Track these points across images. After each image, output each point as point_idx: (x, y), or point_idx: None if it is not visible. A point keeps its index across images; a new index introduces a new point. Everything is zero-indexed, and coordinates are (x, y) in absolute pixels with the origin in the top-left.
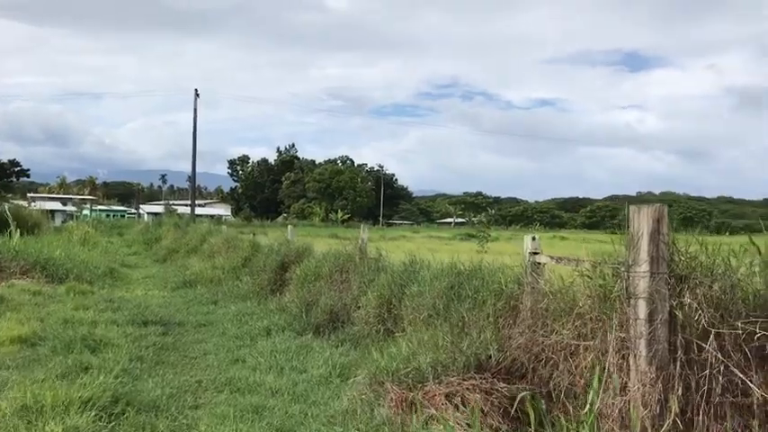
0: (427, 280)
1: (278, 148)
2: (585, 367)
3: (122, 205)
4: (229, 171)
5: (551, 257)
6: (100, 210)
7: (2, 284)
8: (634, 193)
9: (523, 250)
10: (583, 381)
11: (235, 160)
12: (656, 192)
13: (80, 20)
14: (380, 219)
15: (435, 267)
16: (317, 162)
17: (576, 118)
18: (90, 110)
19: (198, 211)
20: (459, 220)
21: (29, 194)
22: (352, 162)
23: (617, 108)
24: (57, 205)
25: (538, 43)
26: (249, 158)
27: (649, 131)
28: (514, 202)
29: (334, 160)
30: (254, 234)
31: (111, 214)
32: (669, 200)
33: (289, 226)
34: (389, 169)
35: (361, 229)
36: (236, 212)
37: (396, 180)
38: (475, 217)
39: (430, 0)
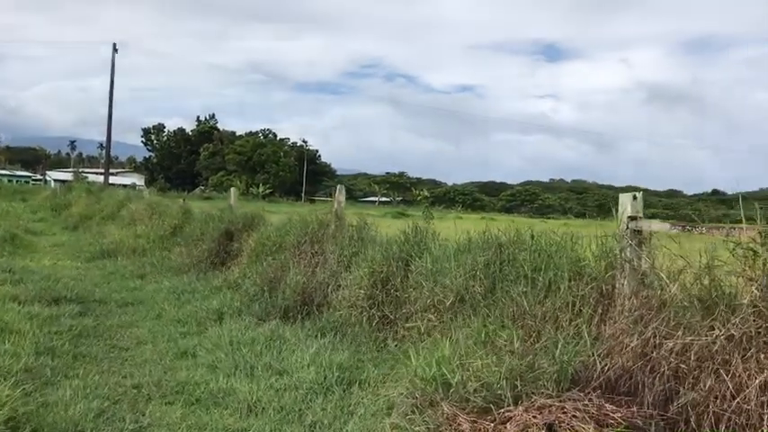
0: (449, 253)
1: (197, 118)
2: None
3: (27, 171)
4: (143, 140)
5: (674, 225)
6: (1, 174)
7: None
8: (547, 180)
9: (619, 215)
10: (748, 406)
11: (149, 129)
12: (568, 179)
13: None
14: (303, 195)
15: (454, 238)
16: (237, 134)
17: (495, 104)
18: None
19: (110, 180)
20: (384, 198)
21: None
22: (275, 136)
23: (533, 97)
24: None
25: (459, 30)
26: (165, 128)
27: (563, 121)
28: (434, 183)
29: (256, 133)
30: (183, 200)
31: (15, 179)
32: (580, 188)
33: (231, 189)
34: (313, 145)
35: (337, 190)
36: (149, 183)
37: (319, 156)
38: (399, 196)
39: None
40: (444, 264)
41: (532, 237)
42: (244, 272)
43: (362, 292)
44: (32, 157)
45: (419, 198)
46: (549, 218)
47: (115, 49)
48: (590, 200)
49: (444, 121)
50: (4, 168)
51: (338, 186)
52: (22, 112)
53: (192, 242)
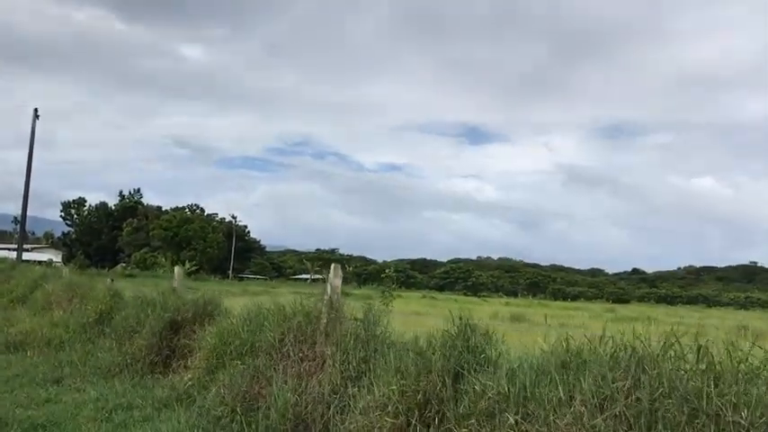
0: (536, 365)
1: (120, 192)
2: None
3: None
4: (62, 215)
5: None
6: None
7: None
8: (474, 257)
9: None
10: None
11: (69, 203)
12: (495, 257)
13: None
14: (230, 272)
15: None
16: (163, 209)
17: (423, 183)
18: None
19: (25, 256)
20: (317, 276)
21: None
22: (203, 211)
23: (459, 176)
24: None
25: (387, 111)
26: (86, 202)
27: (487, 200)
28: (364, 260)
29: (183, 208)
30: (111, 280)
31: None
32: (507, 265)
33: (176, 268)
34: (241, 221)
35: (332, 270)
36: (68, 259)
37: (248, 232)
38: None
39: (285, 61)
40: (536, 387)
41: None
42: (200, 379)
43: (391, 421)
44: None
45: (391, 276)
46: (483, 296)
47: (36, 115)
48: (521, 278)
49: (373, 198)
50: None
51: (333, 265)
52: None
53: (124, 334)
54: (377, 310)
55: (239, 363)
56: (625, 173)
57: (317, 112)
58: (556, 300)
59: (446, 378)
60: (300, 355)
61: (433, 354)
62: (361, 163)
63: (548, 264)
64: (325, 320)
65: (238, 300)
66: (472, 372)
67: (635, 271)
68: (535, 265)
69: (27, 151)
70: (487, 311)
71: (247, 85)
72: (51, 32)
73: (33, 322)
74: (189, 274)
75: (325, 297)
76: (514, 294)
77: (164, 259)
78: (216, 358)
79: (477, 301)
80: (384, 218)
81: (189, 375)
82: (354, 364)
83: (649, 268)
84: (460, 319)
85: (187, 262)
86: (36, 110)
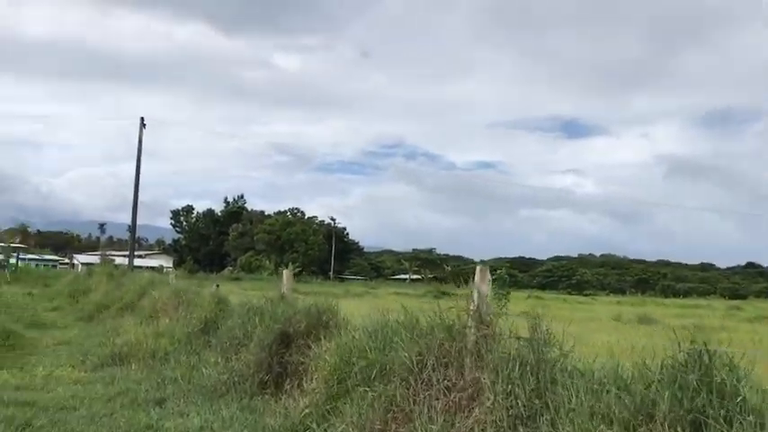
0: None
1: (225, 199)
2: None
3: (56, 255)
4: (172, 222)
5: None
6: (30, 258)
7: None
8: (575, 254)
9: None
10: None
11: (179, 211)
12: (597, 254)
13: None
14: (331, 273)
15: None
16: (266, 214)
17: (518, 180)
18: (29, 159)
19: (137, 262)
20: (415, 276)
21: None
22: (303, 214)
23: (556, 172)
24: None
25: (479, 108)
26: (194, 209)
27: (586, 195)
28: (461, 260)
29: (285, 212)
30: (217, 286)
31: (42, 263)
32: (612, 262)
33: (284, 272)
34: (340, 223)
35: (477, 273)
36: (178, 265)
37: (347, 234)
38: (430, 273)
39: (377, 64)
40: None
41: None
42: (318, 407)
43: None
44: (63, 241)
45: (505, 279)
46: (590, 294)
47: (143, 124)
48: (627, 275)
49: (467, 197)
50: (33, 253)
51: (478, 267)
52: (53, 197)
53: (230, 347)
54: (546, 324)
55: (367, 390)
56: (733, 161)
57: (409, 114)
58: (666, 296)
59: (679, 430)
60: (447, 383)
61: (652, 391)
62: (454, 162)
63: (654, 259)
64: (473, 337)
65: (347, 303)
66: (722, 422)
67: (750, 265)
68: (641, 261)
69: (137, 162)
70: (605, 312)
71: (341, 90)
72: (155, 49)
73: (138, 332)
74: (294, 275)
75: (471, 307)
76: (621, 292)
77: (268, 262)
78: (337, 382)
79: (587, 301)
80: (478, 217)
81: (305, 401)
82: (524, 400)
83: (767, 262)
84: (692, 342)
85: (290, 264)
86: (142, 119)
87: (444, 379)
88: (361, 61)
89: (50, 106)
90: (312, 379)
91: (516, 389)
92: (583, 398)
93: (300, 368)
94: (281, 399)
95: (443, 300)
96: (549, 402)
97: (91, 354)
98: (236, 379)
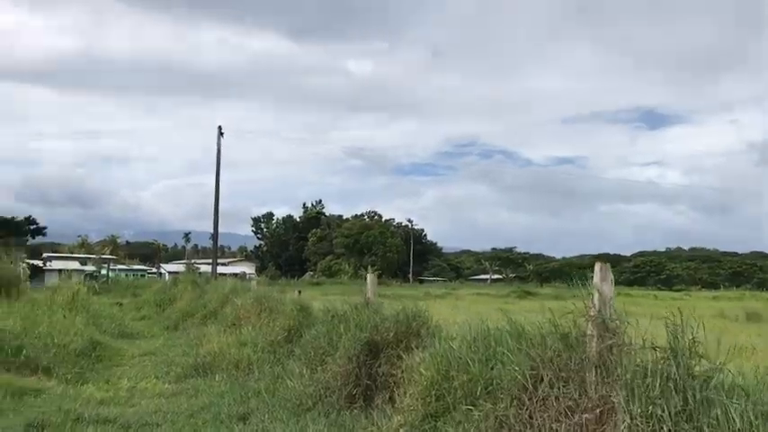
0: None
1: (304, 204)
2: None
3: (144, 265)
4: (253, 229)
5: None
6: (120, 269)
7: None
8: (663, 249)
9: None
10: None
11: (259, 218)
12: (686, 247)
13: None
14: (410, 276)
15: None
16: (344, 218)
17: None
18: (116, 173)
19: (220, 269)
20: (496, 276)
21: (44, 254)
22: (380, 217)
23: (637, 165)
24: (75, 265)
25: (554, 102)
26: (274, 216)
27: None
28: (542, 258)
29: (362, 216)
30: (299, 292)
31: (131, 273)
32: (702, 255)
33: (368, 276)
34: (418, 225)
35: (596, 271)
36: (260, 271)
37: (425, 235)
38: (511, 273)
39: (448, 63)
40: None
41: None
42: (414, 426)
43: None
44: (151, 251)
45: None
46: (682, 290)
47: (220, 133)
48: (720, 268)
49: (546, 194)
50: (123, 263)
51: (598, 265)
52: (141, 209)
53: (314, 357)
54: (691, 331)
55: (471, 409)
56: None
57: (482, 112)
58: (763, 290)
59: None
60: (569, 402)
61: None
62: (530, 158)
63: (747, 251)
64: (595, 348)
65: (432, 307)
66: None
67: None
68: (733, 254)
69: (216, 170)
70: (705, 308)
71: (413, 92)
72: (232, 62)
73: (221, 341)
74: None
75: (591, 310)
76: (714, 287)
77: (347, 266)
78: (435, 398)
79: (680, 297)
80: (558, 213)
81: (399, 419)
82: (670, 424)
83: None
84: None
85: (369, 267)
86: (220, 128)
87: (564, 397)
88: (432, 61)
89: (135, 122)
90: (406, 394)
91: (659, 410)
92: (753, 422)
93: (391, 380)
94: (371, 414)
95: (528, 300)
96: (706, 429)
97: (175, 364)
98: (322, 392)
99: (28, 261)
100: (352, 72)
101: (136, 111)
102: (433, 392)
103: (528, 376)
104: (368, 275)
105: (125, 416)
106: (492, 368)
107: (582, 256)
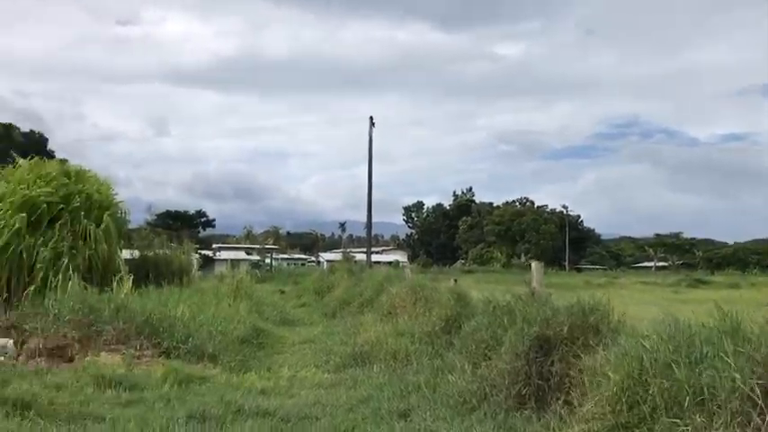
0: None
1: (454, 192)
2: None
3: (304, 254)
4: (404, 218)
5: None
6: (281, 258)
7: (82, 361)
8: None
9: None
10: None
11: (410, 206)
12: None
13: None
14: (566, 263)
15: None
16: (494, 205)
17: None
18: (276, 168)
19: (375, 258)
20: (661, 263)
21: (214, 245)
22: (533, 204)
23: None
24: (242, 254)
25: (725, 75)
26: (424, 205)
27: None
28: (711, 243)
29: (513, 203)
30: (455, 280)
31: (292, 262)
32: None
33: (533, 264)
34: (573, 211)
35: None
36: (412, 259)
37: (581, 222)
38: (678, 260)
39: (603, 41)
40: None
41: None
42: None
43: None
44: (309, 241)
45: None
46: None
47: (372, 123)
48: None
49: (713, 174)
50: (284, 253)
51: None
52: (299, 201)
53: (477, 352)
54: None
55: (677, 423)
56: None
57: (641, 90)
58: None
59: None
60: None
61: None
62: (695, 137)
63: None
64: None
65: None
66: None
67: None
68: None
69: (368, 159)
70: None
71: (566, 74)
72: (380, 55)
73: (378, 330)
74: (528, 266)
75: None
76: None
77: (499, 254)
78: (627, 407)
79: None
80: (728, 195)
81: (583, 427)
82: None
83: None
84: None
85: (522, 255)
86: (371, 118)
87: None
88: (585, 40)
89: (293, 119)
90: (589, 399)
91: None
92: None
93: (566, 381)
94: (544, 417)
95: (701, 289)
96: None
97: (333, 353)
98: (487, 390)
99: (199, 251)
100: (501, 56)
101: (293, 108)
102: (625, 399)
103: (756, 387)
104: (533, 263)
105: (284, 408)
106: (700, 374)
107: (756, 241)
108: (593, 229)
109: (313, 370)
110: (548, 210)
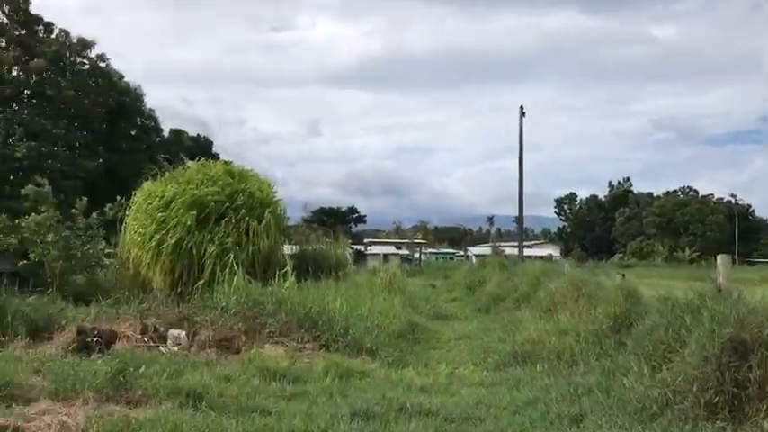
0: None
1: (609, 183)
2: None
3: (452, 248)
4: (556, 211)
5: None
6: (430, 252)
7: (248, 352)
8: None
9: None
10: None
11: (562, 199)
12: None
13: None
14: (735, 257)
15: None
16: (654, 195)
17: None
18: (421, 163)
19: (526, 252)
20: None
21: (365, 240)
22: (696, 193)
23: None
24: (391, 249)
25: None
26: (577, 196)
27: None
28: None
29: (674, 192)
30: (623, 275)
31: (440, 256)
32: None
33: (718, 257)
34: (743, 200)
35: None
36: (565, 253)
37: (752, 211)
38: None
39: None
40: None
41: None
42: None
43: None
44: (457, 235)
45: None
46: None
47: (522, 113)
48: None
49: None
50: (432, 247)
51: None
52: (446, 195)
53: (655, 354)
54: None
55: None
56: None
57: None
58: None
59: None
60: None
61: None
62: None
63: None
64: None
65: None
66: None
67: None
68: None
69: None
70: None
71: (726, 54)
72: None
73: (539, 328)
74: (691, 261)
75: None
76: None
77: (660, 247)
78: None
79: None
80: None
81: None
82: None
83: None
84: None
85: (687, 248)
86: (521, 107)
87: None
88: (751, 16)
89: (437, 114)
90: None
91: None
92: None
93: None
94: (741, 429)
95: None
96: None
97: (491, 350)
98: (669, 396)
99: (352, 246)
100: (654, 38)
101: (437, 102)
102: None
103: None
104: (719, 257)
105: (446, 407)
106: None
107: None
108: (766, 220)
109: (471, 367)
110: (714, 199)
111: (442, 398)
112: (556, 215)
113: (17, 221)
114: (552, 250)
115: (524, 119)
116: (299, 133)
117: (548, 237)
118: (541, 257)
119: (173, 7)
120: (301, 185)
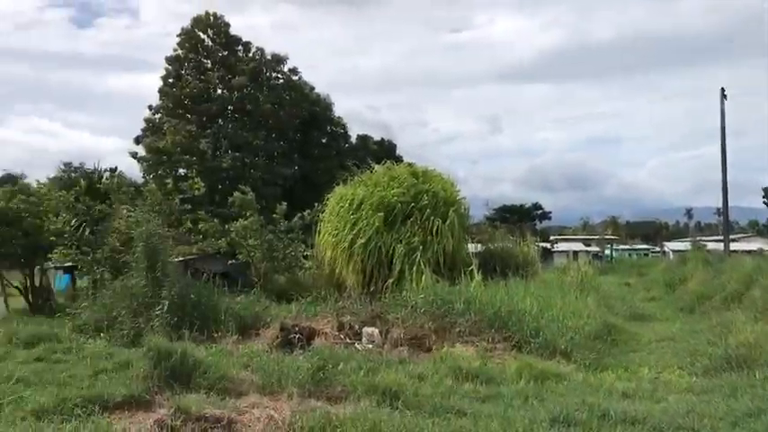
0: None
1: None
2: None
3: (645, 244)
4: (765, 200)
5: None
6: (622, 248)
7: (439, 351)
8: None
9: None
10: None
11: None
12: None
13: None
14: None
15: None
16: None
17: None
18: (609, 154)
19: (731, 246)
20: None
21: (551, 237)
22: None
23: None
24: (579, 246)
25: None
26: None
27: None
28: None
29: None
30: None
31: (634, 253)
32: None
33: None
34: None
35: None
36: None
37: None
38: None
39: None
40: None
41: None
42: None
43: None
44: (651, 230)
45: None
46: None
47: (724, 95)
48: None
49: None
50: (624, 243)
51: None
52: (637, 187)
53: None
54: None
55: None
56: None
57: None
58: None
59: None
60: None
61: None
62: None
63: None
64: None
65: None
66: None
67: None
68: None
69: (719, 137)
70: None
71: None
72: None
73: (756, 330)
74: None
75: None
76: None
77: None
78: None
79: None
80: None
81: None
82: None
83: None
84: None
85: None
86: (722, 90)
87: None
88: None
89: (623, 102)
90: None
91: None
92: None
93: None
94: None
95: None
96: None
97: (699, 354)
98: None
99: (538, 244)
100: None
101: (624, 90)
102: None
103: None
104: None
105: (653, 415)
106: None
107: None
108: None
109: (677, 372)
110: None
111: (647, 405)
112: (765, 205)
113: (226, 226)
114: (762, 244)
115: (726, 102)
116: (479, 131)
117: (756, 229)
118: (749, 252)
119: (354, 19)
120: (483, 183)
